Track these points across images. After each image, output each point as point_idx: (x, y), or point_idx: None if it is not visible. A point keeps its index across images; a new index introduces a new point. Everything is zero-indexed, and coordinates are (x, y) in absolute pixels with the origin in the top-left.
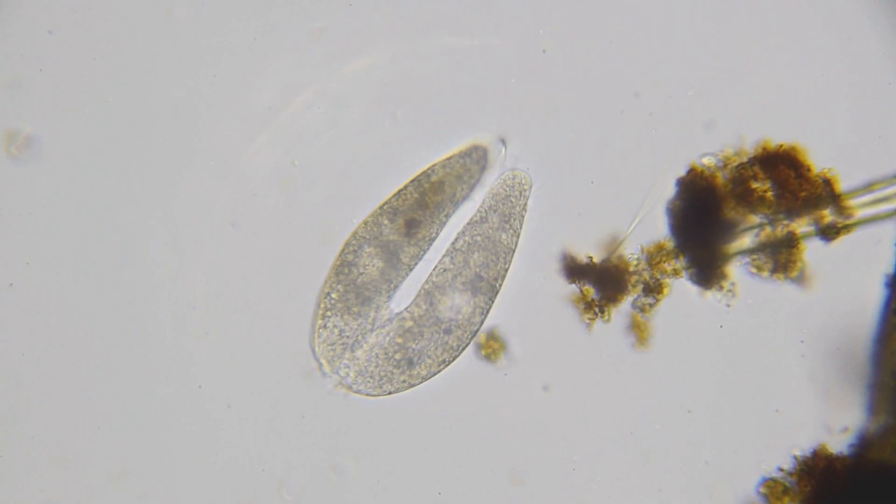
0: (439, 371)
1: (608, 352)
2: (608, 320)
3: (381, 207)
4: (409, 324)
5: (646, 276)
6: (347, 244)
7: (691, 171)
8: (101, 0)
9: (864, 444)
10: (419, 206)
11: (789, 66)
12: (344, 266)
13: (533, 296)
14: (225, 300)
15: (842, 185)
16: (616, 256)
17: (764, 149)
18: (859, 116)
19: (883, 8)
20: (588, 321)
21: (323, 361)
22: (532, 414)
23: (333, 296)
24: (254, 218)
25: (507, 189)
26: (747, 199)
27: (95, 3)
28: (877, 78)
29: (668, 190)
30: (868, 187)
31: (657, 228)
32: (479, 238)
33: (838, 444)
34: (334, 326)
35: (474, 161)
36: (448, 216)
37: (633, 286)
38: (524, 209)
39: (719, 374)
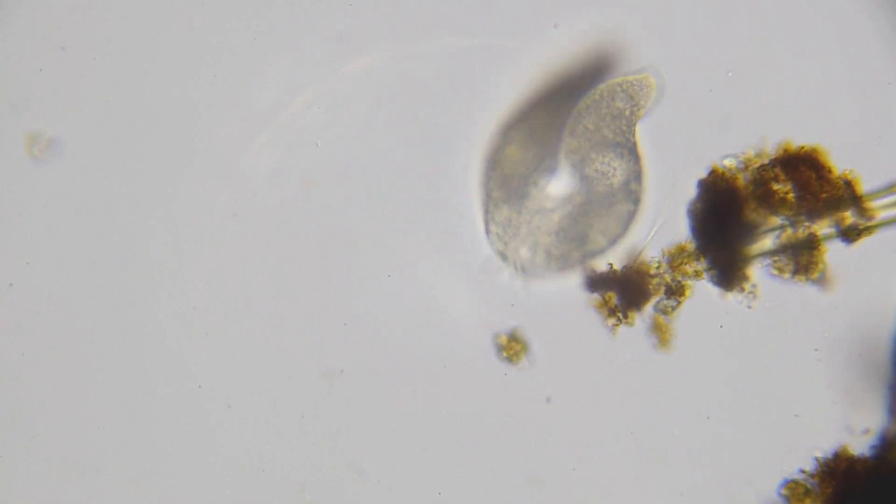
0: (613, 244)
1: (628, 354)
2: (631, 325)
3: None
4: (577, 199)
5: (667, 278)
6: (497, 141)
7: (712, 172)
8: (101, 1)
9: (885, 446)
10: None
11: (812, 66)
12: (496, 162)
13: (557, 298)
14: (225, 300)
15: (863, 187)
16: (637, 263)
17: (785, 150)
18: (882, 117)
19: None
20: (612, 326)
21: (500, 254)
22: (549, 417)
23: (493, 193)
24: (254, 218)
25: (638, 89)
26: (768, 201)
27: (95, 4)
28: None
29: (690, 192)
30: (890, 189)
31: (678, 230)
32: (602, 117)
33: (860, 446)
34: (503, 218)
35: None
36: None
37: (655, 289)
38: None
39: (740, 376)
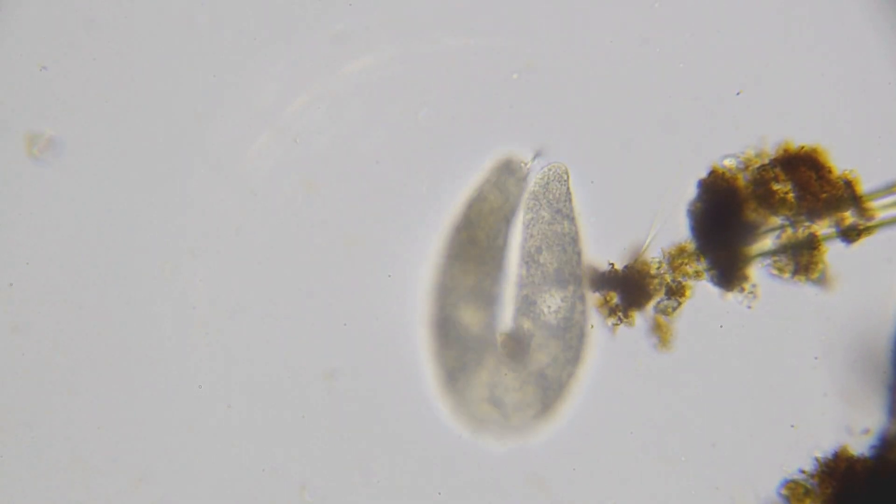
0: (571, 376)
1: (629, 355)
2: (631, 324)
3: (443, 264)
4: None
5: (667, 278)
6: (442, 320)
7: (713, 172)
8: (100, 1)
9: (885, 446)
10: (470, 242)
11: (812, 66)
12: (453, 341)
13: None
14: (225, 300)
15: (863, 187)
16: (638, 262)
17: (785, 150)
18: (882, 117)
19: None
20: (612, 326)
21: (493, 415)
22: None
23: (452, 365)
24: (254, 218)
25: (545, 182)
26: (769, 201)
27: (95, 4)
28: None
29: (690, 192)
30: (890, 189)
31: (679, 231)
32: (539, 238)
33: (859, 446)
34: (482, 385)
35: (506, 177)
36: (505, 234)
37: (656, 289)
38: (569, 193)
39: (740, 375)
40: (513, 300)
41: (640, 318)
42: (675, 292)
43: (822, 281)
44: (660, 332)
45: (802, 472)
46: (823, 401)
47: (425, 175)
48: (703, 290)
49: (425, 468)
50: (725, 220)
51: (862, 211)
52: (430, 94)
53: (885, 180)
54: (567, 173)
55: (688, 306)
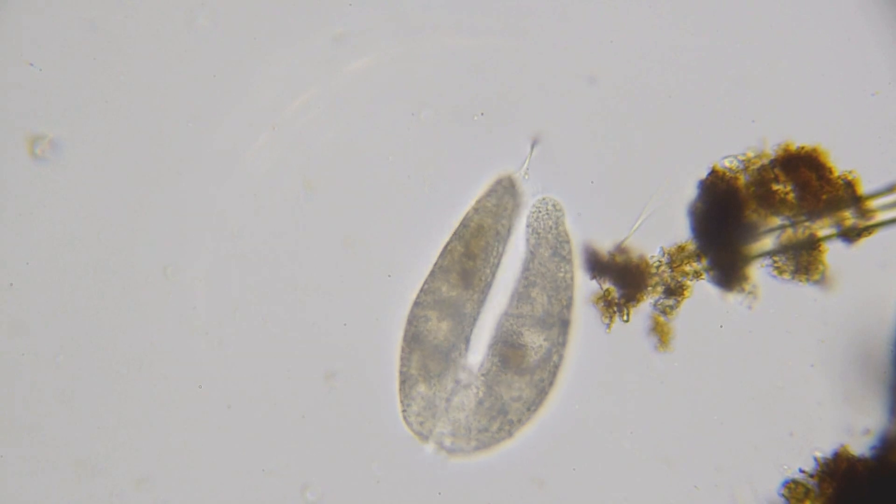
0: (531, 414)
1: (629, 355)
2: (627, 320)
3: (431, 272)
4: (494, 376)
5: (667, 277)
6: (411, 317)
7: (713, 173)
8: (100, 2)
9: (885, 446)
10: (467, 257)
11: (812, 66)
12: (413, 339)
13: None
14: (225, 300)
15: (863, 187)
16: (633, 254)
17: (785, 151)
18: (882, 118)
19: None
20: (606, 322)
21: (417, 433)
22: (549, 416)
23: (412, 371)
24: (254, 218)
25: (545, 217)
26: (769, 201)
27: (96, 4)
28: None
29: (690, 192)
30: (890, 189)
31: (679, 230)
32: (534, 277)
33: (860, 446)
34: (420, 397)
35: (503, 194)
36: (499, 255)
37: (654, 287)
38: (566, 235)
39: (741, 376)
40: (491, 326)
41: (637, 316)
42: (675, 291)
43: (822, 281)
44: (659, 332)
45: (803, 472)
46: (824, 402)
47: (426, 175)
48: (703, 290)
49: (425, 468)
50: (726, 221)
51: (862, 211)
52: (431, 95)
53: (886, 181)
54: (563, 212)
55: (688, 307)
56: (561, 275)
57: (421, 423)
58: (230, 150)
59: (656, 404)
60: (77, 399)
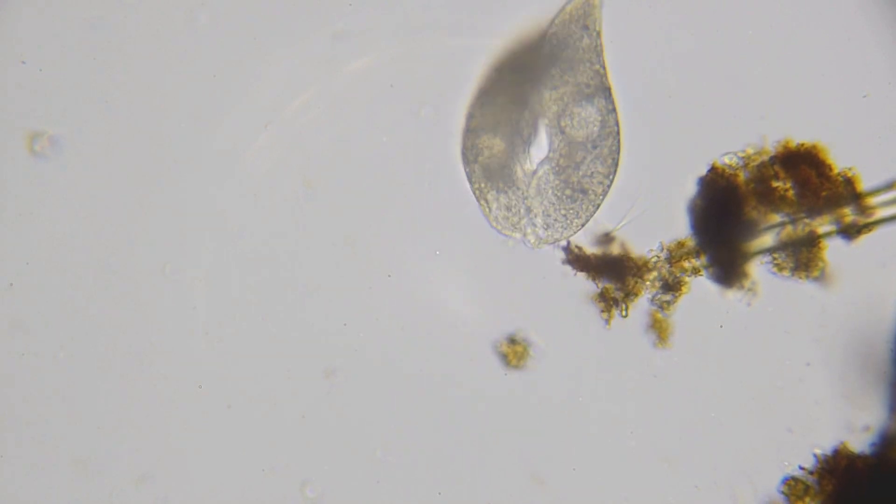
0: (610, 184)
1: (628, 353)
2: (626, 315)
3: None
4: (560, 161)
5: (665, 272)
6: (466, 149)
7: (713, 169)
8: (100, 1)
9: (885, 443)
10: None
11: (812, 65)
12: (478, 165)
13: (551, 293)
14: (225, 300)
15: (863, 184)
16: (616, 246)
17: (785, 148)
18: (881, 116)
19: None
20: (605, 318)
21: (511, 234)
22: (549, 416)
23: (482, 186)
24: (254, 218)
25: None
26: (768, 198)
27: (96, 3)
28: None
29: (690, 188)
30: (890, 186)
31: (678, 226)
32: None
33: (860, 443)
34: (498, 206)
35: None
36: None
37: (653, 283)
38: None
39: (740, 373)
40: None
41: (636, 312)
42: (672, 287)
43: (822, 278)
44: (657, 328)
45: (802, 469)
46: (823, 400)
47: (426, 174)
48: (702, 287)
49: (425, 468)
50: (725, 218)
51: (862, 208)
52: (431, 94)
53: (885, 178)
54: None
55: (687, 304)
56: (585, 46)
57: (511, 222)
58: (230, 150)
59: (656, 403)
60: (77, 398)
